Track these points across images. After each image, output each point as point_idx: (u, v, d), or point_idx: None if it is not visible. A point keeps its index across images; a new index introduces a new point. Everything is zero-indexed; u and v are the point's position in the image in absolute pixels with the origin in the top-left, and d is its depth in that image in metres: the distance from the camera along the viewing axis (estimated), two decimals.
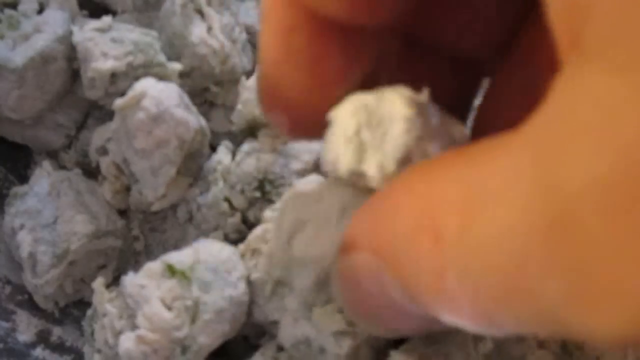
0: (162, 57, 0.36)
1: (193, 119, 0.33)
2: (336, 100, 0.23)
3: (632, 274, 0.13)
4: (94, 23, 0.36)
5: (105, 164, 0.36)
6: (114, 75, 0.35)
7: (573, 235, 0.14)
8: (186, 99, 0.34)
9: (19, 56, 0.36)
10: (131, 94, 0.32)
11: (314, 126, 0.23)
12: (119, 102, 0.32)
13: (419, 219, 0.17)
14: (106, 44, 0.35)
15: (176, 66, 0.36)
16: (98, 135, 0.36)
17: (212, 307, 0.32)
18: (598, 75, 0.14)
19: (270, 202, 0.35)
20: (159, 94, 0.32)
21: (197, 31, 0.36)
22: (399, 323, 0.21)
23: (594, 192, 0.13)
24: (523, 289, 0.15)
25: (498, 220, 0.15)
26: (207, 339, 0.32)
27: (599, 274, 0.14)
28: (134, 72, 0.35)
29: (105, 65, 0.35)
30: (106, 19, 0.36)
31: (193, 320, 0.32)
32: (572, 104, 0.14)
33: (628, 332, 0.14)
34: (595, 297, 0.14)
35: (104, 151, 0.36)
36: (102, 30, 0.36)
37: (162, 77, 0.35)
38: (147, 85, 0.32)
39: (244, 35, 0.39)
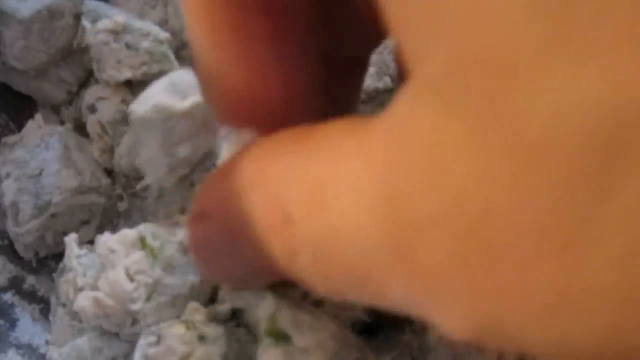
0: (176, 68, 0.36)
1: None
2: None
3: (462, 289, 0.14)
4: (106, 22, 0.36)
5: (92, 122, 0.36)
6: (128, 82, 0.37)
7: (412, 254, 0.14)
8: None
9: (27, 8, 0.37)
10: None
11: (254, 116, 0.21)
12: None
13: (269, 202, 0.17)
14: (122, 52, 0.36)
15: None
16: (90, 93, 0.37)
17: (170, 291, 0.32)
18: (429, 111, 0.14)
19: None
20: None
21: None
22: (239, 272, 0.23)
23: (429, 227, 0.14)
24: (371, 281, 0.16)
25: (345, 216, 0.15)
26: (157, 318, 0.32)
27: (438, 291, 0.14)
28: (148, 81, 0.36)
29: (121, 76, 0.36)
30: (119, 20, 0.36)
31: (149, 298, 0.32)
32: (407, 132, 0.14)
33: None
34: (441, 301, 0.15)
35: (93, 110, 0.36)
36: (115, 33, 0.36)
37: None
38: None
39: None
